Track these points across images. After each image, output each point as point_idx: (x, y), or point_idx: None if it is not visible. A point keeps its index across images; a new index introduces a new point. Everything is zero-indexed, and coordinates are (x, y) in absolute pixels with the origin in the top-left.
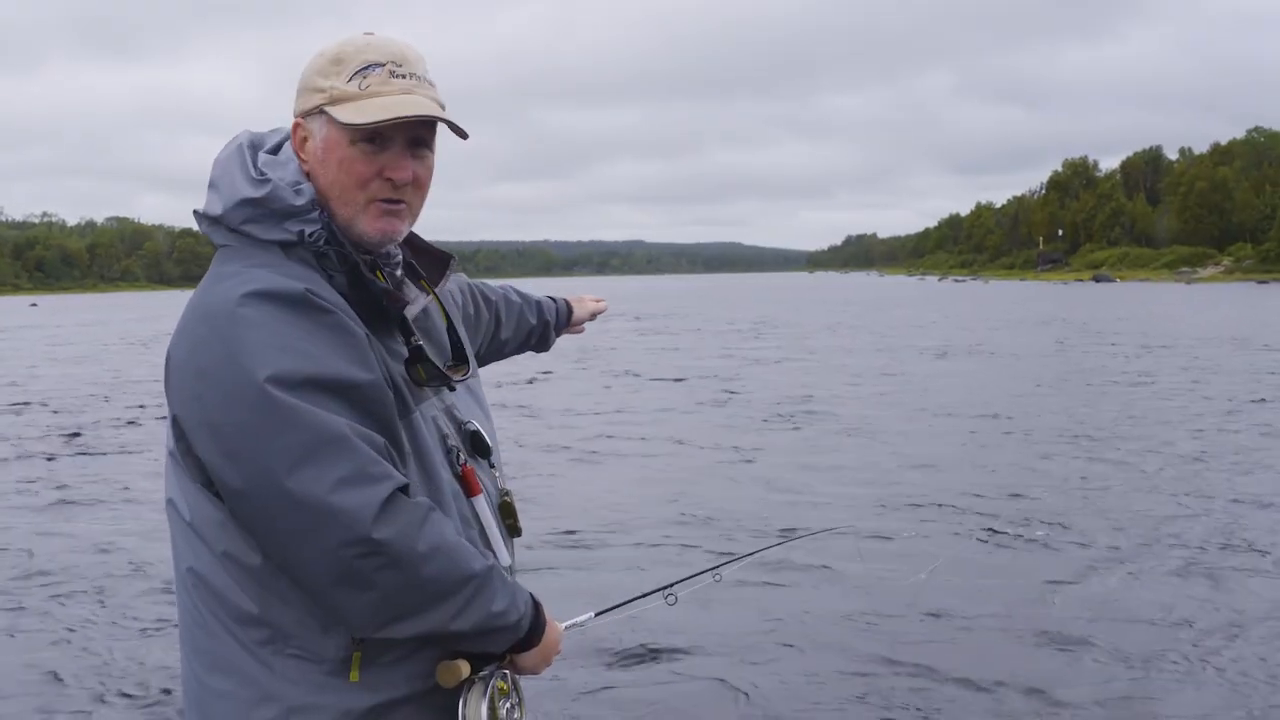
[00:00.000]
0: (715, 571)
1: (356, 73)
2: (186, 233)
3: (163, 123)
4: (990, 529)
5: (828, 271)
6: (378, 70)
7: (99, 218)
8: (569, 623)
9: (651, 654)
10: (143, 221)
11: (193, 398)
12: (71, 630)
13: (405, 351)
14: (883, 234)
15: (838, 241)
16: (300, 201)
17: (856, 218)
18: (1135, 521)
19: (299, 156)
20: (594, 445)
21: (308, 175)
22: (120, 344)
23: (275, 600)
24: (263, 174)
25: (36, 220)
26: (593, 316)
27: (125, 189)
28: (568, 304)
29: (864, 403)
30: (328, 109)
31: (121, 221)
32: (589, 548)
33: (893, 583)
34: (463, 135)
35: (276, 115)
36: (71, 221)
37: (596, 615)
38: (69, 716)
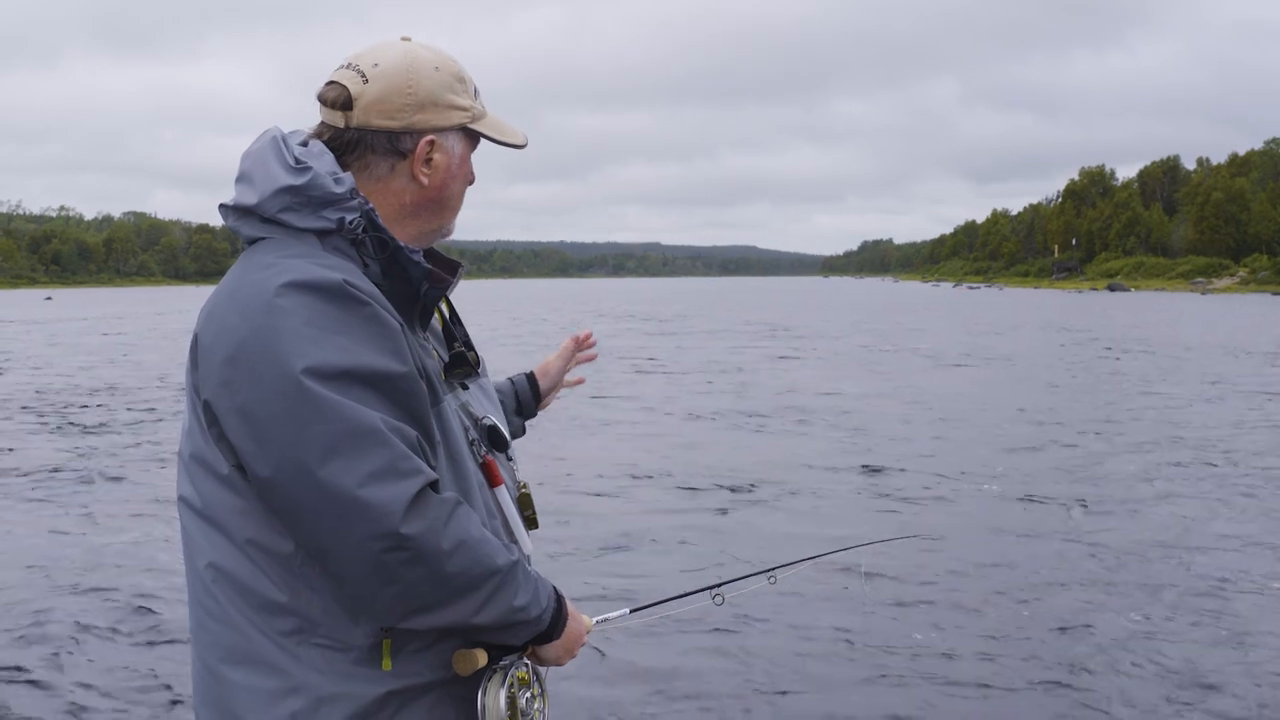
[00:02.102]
0: (770, 574)
1: (475, 93)
2: (203, 228)
3: (179, 120)
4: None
5: (843, 276)
6: (476, 90)
7: (116, 212)
8: (600, 618)
9: (689, 655)
10: (160, 217)
11: (222, 384)
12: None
13: (433, 345)
14: (898, 240)
15: (853, 246)
16: (341, 190)
17: (871, 223)
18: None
19: (419, 172)
20: (632, 441)
21: (421, 189)
22: (158, 337)
23: (304, 588)
24: (301, 162)
25: (53, 214)
26: (568, 365)
27: (142, 185)
28: (528, 378)
29: (898, 408)
30: (473, 127)
31: (138, 216)
32: (631, 546)
33: (956, 594)
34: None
35: (291, 114)
36: (89, 216)
37: (631, 612)
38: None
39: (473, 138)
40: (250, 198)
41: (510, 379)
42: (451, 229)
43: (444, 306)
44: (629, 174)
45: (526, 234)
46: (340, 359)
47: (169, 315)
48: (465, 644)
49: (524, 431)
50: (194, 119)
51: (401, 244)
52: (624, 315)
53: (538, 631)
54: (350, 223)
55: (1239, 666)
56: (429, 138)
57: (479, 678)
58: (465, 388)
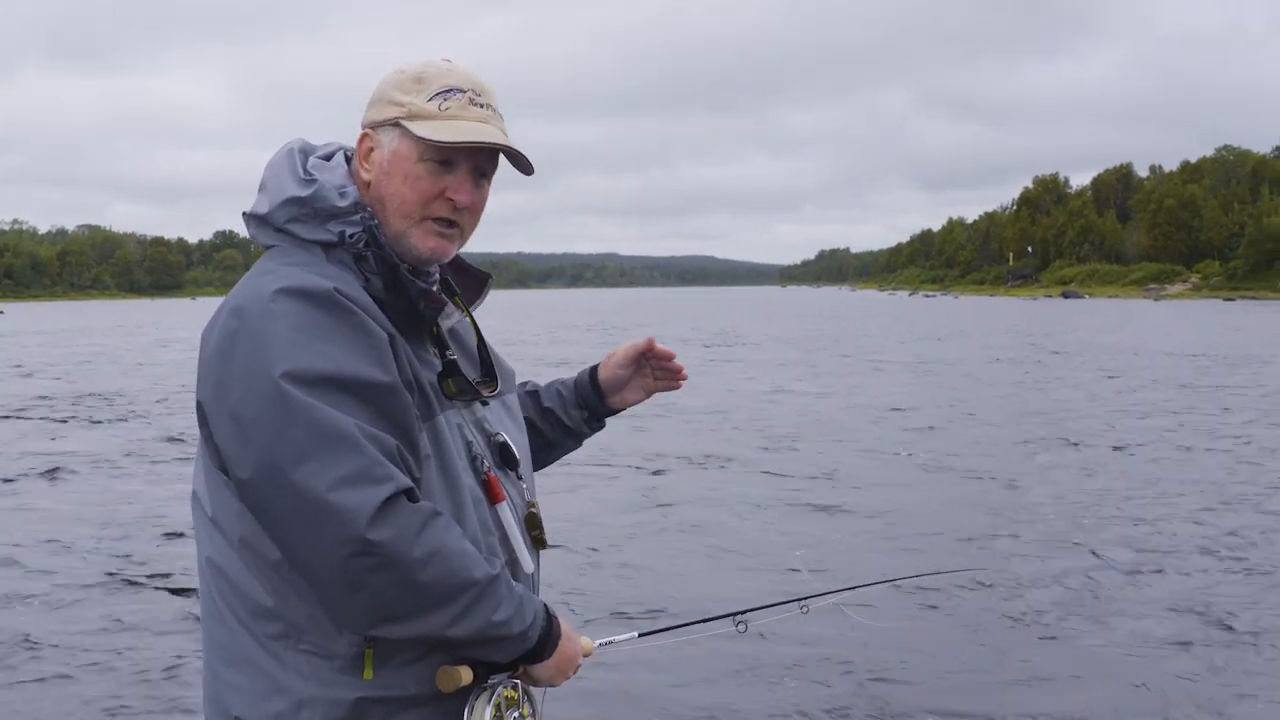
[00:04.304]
0: (803, 603)
1: (437, 94)
2: (158, 241)
3: (135, 132)
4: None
5: (800, 286)
6: (458, 95)
7: (70, 225)
8: (604, 640)
9: (706, 682)
10: (114, 230)
11: (214, 386)
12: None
13: (437, 361)
14: (855, 248)
15: (811, 255)
16: (344, 203)
17: (828, 232)
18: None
19: (361, 165)
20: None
21: (367, 185)
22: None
23: (291, 594)
24: (310, 175)
25: (6, 227)
26: (641, 355)
27: (97, 197)
28: (591, 370)
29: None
30: (404, 123)
31: (93, 229)
32: (650, 566)
33: (998, 632)
34: (528, 171)
35: (248, 126)
36: (43, 229)
37: (640, 636)
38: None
39: (419, 140)
40: (263, 207)
41: (579, 373)
42: (421, 245)
43: (476, 326)
44: (585, 184)
45: (484, 245)
46: (321, 364)
47: (130, 328)
48: (450, 660)
49: (590, 426)
50: (150, 131)
51: (398, 263)
52: (583, 326)
53: (524, 649)
54: (351, 236)
55: None
56: (363, 131)
57: (466, 695)
58: (485, 403)
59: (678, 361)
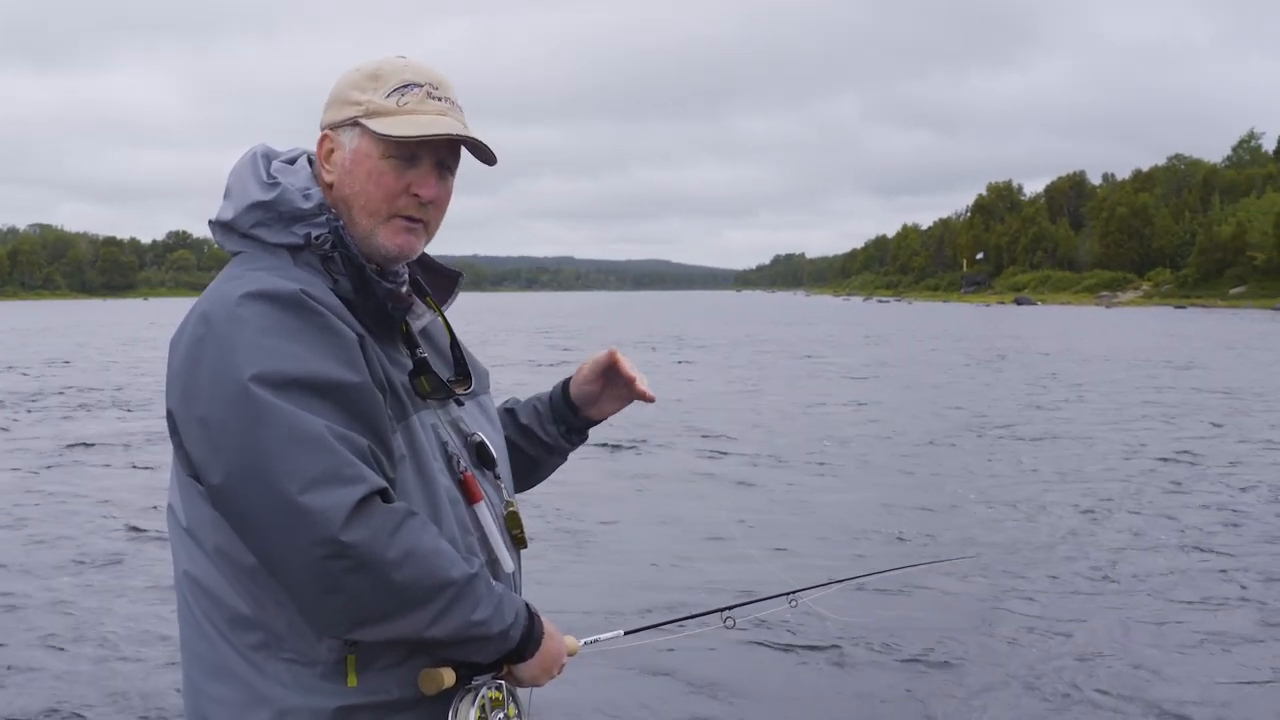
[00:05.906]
0: (791, 596)
1: (395, 90)
2: (110, 241)
3: (86, 131)
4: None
5: (755, 290)
6: (415, 90)
7: (21, 224)
8: (589, 639)
9: (683, 682)
10: (66, 229)
11: (182, 392)
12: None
13: (408, 361)
14: (811, 254)
15: (766, 260)
16: (308, 206)
17: (783, 237)
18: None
19: (322, 167)
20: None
21: (329, 187)
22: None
23: (270, 601)
24: (273, 178)
25: None
26: (607, 368)
27: (48, 196)
28: (563, 384)
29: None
30: (363, 121)
31: (44, 229)
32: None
33: (993, 622)
34: (491, 161)
35: (199, 126)
36: None
37: (625, 634)
38: None
39: (380, 137)
40: (228, 213)
41: (552, 388)
42: (389, 242)
43: (448, 326)
44: (541, 188)
45: (440, 247)
46: (289, 367)
47: (91, 327)
48: (432, 662)
49: (570, 440)
50: (101, 131)
51: (364, 264)
52: (538, 330)
53: (506, 649)
54: (317, 238)
55: None
56: (323, 133)
57: (450, 697)
58: (460, 403)
59: (641, 386)
